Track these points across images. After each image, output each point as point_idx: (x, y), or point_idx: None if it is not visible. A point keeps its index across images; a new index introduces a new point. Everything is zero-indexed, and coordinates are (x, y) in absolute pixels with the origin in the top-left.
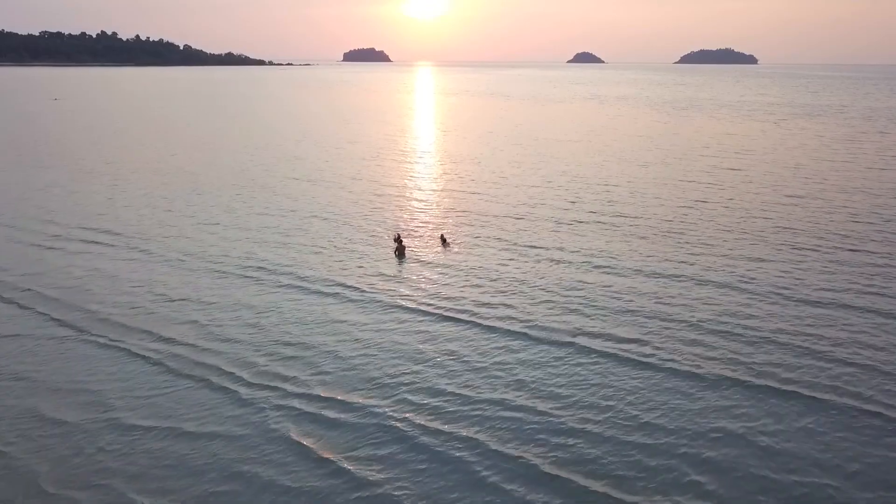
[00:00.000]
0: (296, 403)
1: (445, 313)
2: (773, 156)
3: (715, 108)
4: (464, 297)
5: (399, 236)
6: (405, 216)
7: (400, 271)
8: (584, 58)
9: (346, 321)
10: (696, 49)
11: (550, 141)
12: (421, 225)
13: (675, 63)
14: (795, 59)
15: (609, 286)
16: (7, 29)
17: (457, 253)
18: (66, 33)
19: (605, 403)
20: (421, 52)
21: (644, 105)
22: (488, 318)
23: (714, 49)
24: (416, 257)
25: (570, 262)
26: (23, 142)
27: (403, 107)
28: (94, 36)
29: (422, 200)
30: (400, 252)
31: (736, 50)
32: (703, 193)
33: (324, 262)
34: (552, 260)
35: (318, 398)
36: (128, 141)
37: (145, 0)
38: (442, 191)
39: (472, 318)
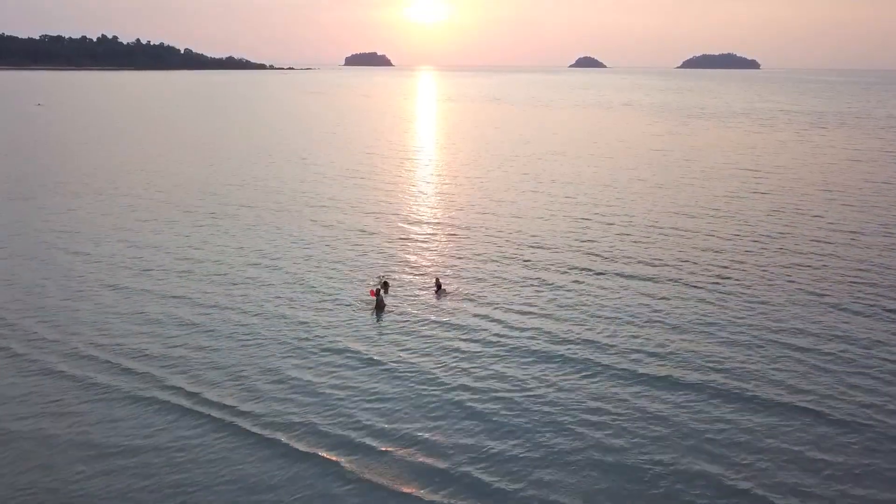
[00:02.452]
0: None
1: (417, 484)
2: (804, 175)
3: (728, 116)
4: (443, 435)
5: (385, 282)
6: (394, 253)
7: (366, 360)
8: (586, 62)
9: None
10: (697, 54)
11: (558, 156)
12: (412, 263)
13: (678, 67)
14: (797, 64)
15: (637, 391)
16: (7, 32)
17: (451, 307)
18: (67, 37)
19: None
20: (423, 57)
21: (653, 113)
22: (483, 489)
23: (716, 54)
24: (399, 317)
25: (582, 345)
26: None
27: (400, 115)
28: (95, 39)
29: (414, 233)
30: (379, 307)
31: (738, 55)
32: (733, 226)
33: (257, 348)
34: (563, 341)
35: None
36: (89, 155)
37: (146, 4)
38: (438, 221)
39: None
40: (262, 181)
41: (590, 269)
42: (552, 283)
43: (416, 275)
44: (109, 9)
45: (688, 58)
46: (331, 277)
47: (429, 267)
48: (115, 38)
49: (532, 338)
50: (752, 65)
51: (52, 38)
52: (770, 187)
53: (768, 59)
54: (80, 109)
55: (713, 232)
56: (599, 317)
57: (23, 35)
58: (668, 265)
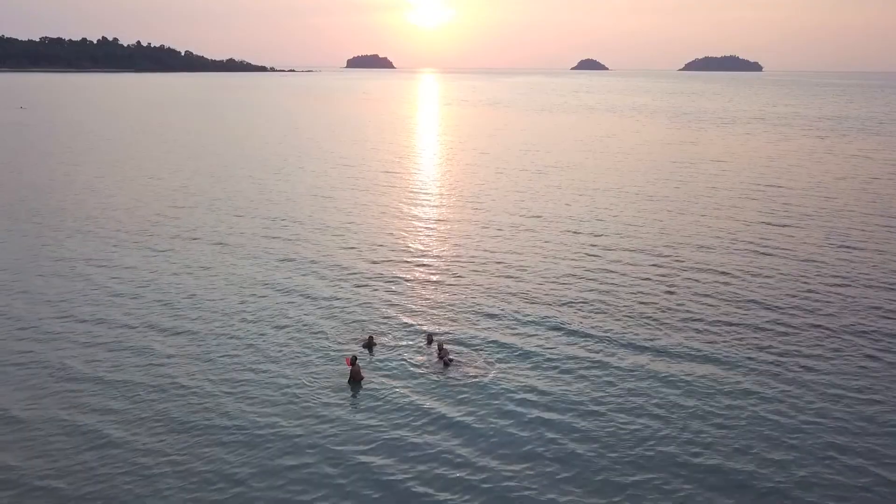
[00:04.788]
0: None
1: None
2: (849, 193)
3: (743, 121)
4: None
5: (370, 339)
6: (380, 300)
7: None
8: (588, 65)
9: None
10: (700, 56)
11: (564, 171)
12: (401, 313)
13: (680, 70)
14: (799, 66)
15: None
16: (7, 35)
17: (452, 383)
18: (67, 39)
19: None
20: (425, 59)
21: (663, 118)
22: None
23: (719, 56)
24: (379, 403)
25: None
26: None
27: (398, 121)
28: (95, 42)
29: (405, 276)
30: (354, 378)
31: (740, 57)
32: (784, 266)
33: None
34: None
35: None
36: (53, 166)
37: (147, 6)
38: (436, 259)
39: None
40: (224, 202)
41: (612, 331)
42: (570, 351)
43: (406, 331)
44: (110, 11)
45: (690, 60)
46: (291, 336)
47: (422, 319)
48: (115, 40)
49: (550, 451)
50: (755, 67)
51: (52, 40)
52: (815, 209)
53: (771, 62)
54: (63, 113)
55: (757, 275)
56: (630, 400)
57: (23, 37)
58: (714, 335)
